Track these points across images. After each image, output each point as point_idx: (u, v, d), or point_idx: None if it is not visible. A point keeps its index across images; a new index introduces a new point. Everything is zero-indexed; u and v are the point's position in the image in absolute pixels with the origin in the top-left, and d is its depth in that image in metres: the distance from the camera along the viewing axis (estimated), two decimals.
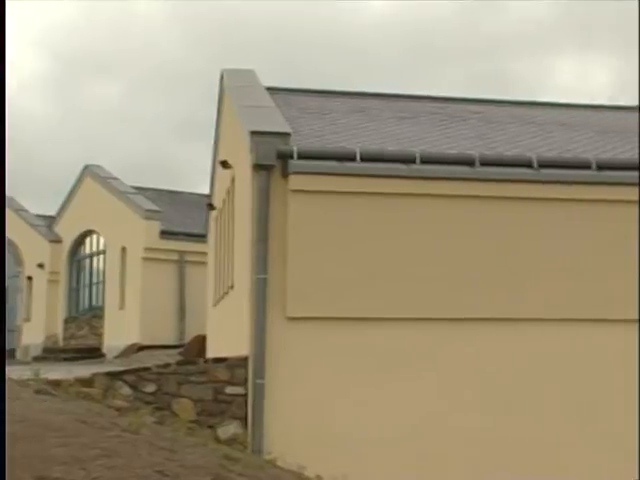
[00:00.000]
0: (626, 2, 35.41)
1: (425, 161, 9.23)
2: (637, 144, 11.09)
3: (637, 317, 9.31)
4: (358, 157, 9.14)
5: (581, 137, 11.43)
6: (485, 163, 9.33)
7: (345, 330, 9.05)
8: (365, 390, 8.96)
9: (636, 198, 9.45)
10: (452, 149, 9.91)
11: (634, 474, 9.06)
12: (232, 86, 11.83)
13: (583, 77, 42.64)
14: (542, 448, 9.12)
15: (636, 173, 9.50)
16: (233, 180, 11.43)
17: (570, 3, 40.74)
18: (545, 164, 9.47)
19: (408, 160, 9.23)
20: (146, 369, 9.01)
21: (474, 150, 9.73)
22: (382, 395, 8.98)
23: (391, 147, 9.75)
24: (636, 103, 15.54)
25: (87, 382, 8.65)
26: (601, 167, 9.49)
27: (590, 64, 43.57)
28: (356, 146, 9.44)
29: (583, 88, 41.53)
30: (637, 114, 13.29)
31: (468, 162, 9.31)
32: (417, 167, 9.18)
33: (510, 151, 10.04)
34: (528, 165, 9.42)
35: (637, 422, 9.21)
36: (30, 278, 24.26)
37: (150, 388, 8.76)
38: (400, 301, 9.10)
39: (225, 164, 11.38)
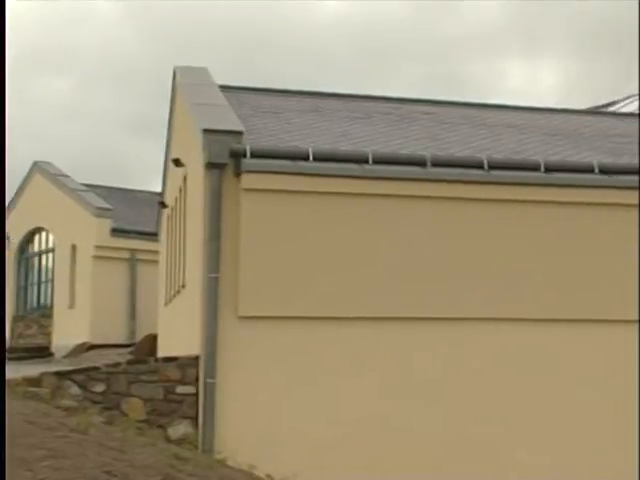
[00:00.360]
0: (575, 6, 35.97)
1: (377, 161, 9.27)
2: (587, 147, 11.29)
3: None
4: (311, 156, 9.15)
5: (531, 139, 11.58)
6: (437, 164, 9.40)
7: (297, 329, 9.05)
8: (316, 389, 8.97)
9: (584, 200, 9.62)
10: (404, 149, 9.97)
11: (593, 472, 9.21)
12: (185, 84, 11.76)
13: (533, 80, 43.19)
14: (488, 447, 9.22)
15: (582, 175, 9.66)
16: (185, 178, 11.36)
17: (521, 5, 41.23)
18: (495, 165, 9.58)
19: (361, 160, 9.26)
20: (95, 368, 8.91)
21: (426, 151, 9.80)
22: (333, 394, 9.00)
23: (344, 147, 9.78)
24: (582, 106, 15.83)
25: (35, 382, 8.53)
26: (549, 169, 9.62)
27: (539, 67, 44.14)
28: (309, 145, 9.44)
29: (532, 91, 42.05)
30: (584, 117, 13.53)
31: (420, 163, 9.37)
32: (369, 167, 9.22)
33: (461, 152, 10.13)
34: (479, 166, 9.51)
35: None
36: None
37: (99, 388, 8.66)
38: (351, 300, 9.13)
39: (177, 162, 11.31)
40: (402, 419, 9.09)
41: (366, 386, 9.08)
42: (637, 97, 16.66)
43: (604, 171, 9.74)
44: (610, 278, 9.62)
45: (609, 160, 10.30)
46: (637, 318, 9.56)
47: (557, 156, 10.41)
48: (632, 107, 15.80)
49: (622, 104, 16.66)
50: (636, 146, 11.58)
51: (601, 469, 9.29)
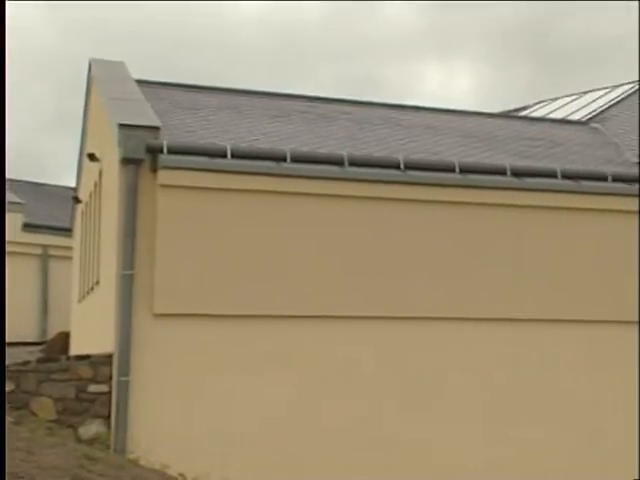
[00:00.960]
0: (490, 11, 36.70)
1: (295, 160, 9.29)
2: (500, 150, 11.53)
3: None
4: (229, 154, 9.11)
5: (446, 141, 11.76)
6: (354, 163, 9.48)
7: (213, 327, 8.99)
8: (232, 388, 8.94)
9: (498, 201, 9.83)
10: (322, 148, 10.02)
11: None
12: (100, 77, 11.55)
13: (448, 83, 43.92)
14: (409, 445, 9.34)
15: (497, 177, 9.87)
16: (100, 173, 11.17)
17: (437, 9, 41.86)
18: (412, 166, 9.71)
19: (279, 158, 9.27)
20: None
21: (344, 150, 9.86)
22: (249, 392, 8.98)
23: (262, 145, 9.76)
24: (496, 110, 16.15)
25: None
26: (464, 171, 9.80)
27: (454, 70, 44.91)
28: (227, 142, 9.40)
29: (448, 94, 42.77)
30: (498, 120, 13.81)
31: (337, 162, 9.43)
32: (288, 165, 9.23)
33: (379, 152, 10.23)
34: (396, 166, 9.62)
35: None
36: None
37: (8, 387, 8.44)
38: (268, 299, 9.12)
39: (92, 157, 11.10)
40: (319, 416, 9.13)
41: (283, 384, 9.09)
42: (548, 102, 17.09)
43: (516, 173, 9.97)
44: (528, 276, 9.86)
45: (521, 163, 10.55)
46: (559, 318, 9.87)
47: (472, 158, 10.61)
48: (542, 112, 16.21)
49: (533, 108, 17.07)
50: (548, 150, 11.91)
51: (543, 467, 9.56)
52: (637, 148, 11.96)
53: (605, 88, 16.28)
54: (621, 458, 9.99)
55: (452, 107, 14.13)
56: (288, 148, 9.47)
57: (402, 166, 9.62)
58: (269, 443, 8.94)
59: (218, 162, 9.05)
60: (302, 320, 9.24)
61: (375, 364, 9.40)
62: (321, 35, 43.80)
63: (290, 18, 43.52)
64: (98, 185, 11.48)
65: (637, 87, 15.63)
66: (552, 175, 10.09)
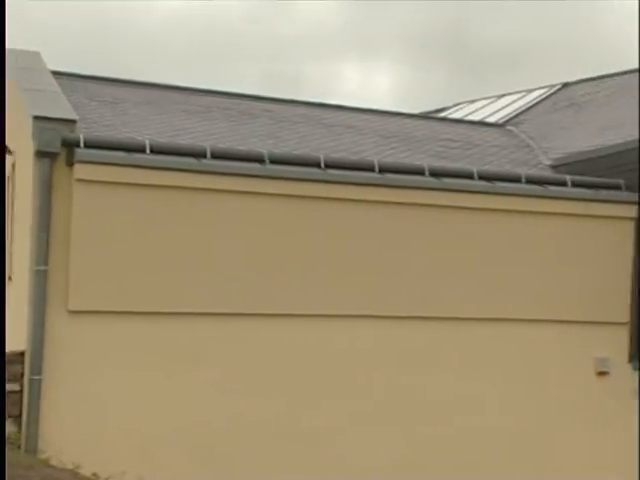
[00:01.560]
0: (408, 12, 37.14)
1: (216, 156, 9.23)
2: (419, 150, 11.68)
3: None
4: (148, 149, 8.99)
5: (366, 140, 11.86)
6: (274, 161, 9.47)
7: (130, 324, 8.87)
8: (148, 386, 8.83)
9: (416, 201, 9.96)
10: (243, 145, 9.98)
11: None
12: (15, 67, 11.25)
13: (367, 83, 44.27)
14: (328, 442, 9.39)
15: (416, 177, 10.00)
16: (14, 166, 10.89)
17: (356, 8, 42.13)
18: (332, 165, 9.76)
19: (199, 154, 9.20)
20: None
21: (264, 147, 9.85)
22: (165, 391, 8.89)
23: (182, 140, 9.67)
24: (415, 111, 16.35)
25: None
26: (383, 170, 9.90)
27: (374, 70, 45.31)
28: (146, 137, 9.28)
29: (367, 93, 43.12)
30: (417, 121, 13.99)
31: (258, 159, 9.41)
32: (207, 162, 9.17)
33: (299, 150, 10.26)
34: (316, 165, 9.66)
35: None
36: None
37: None
38: (185, 296, 9.05)
39: (6, 150, 10.80)
40: (235, 414, 9.10)
41: (200, 382, 9.02)
42: (465, 104, 17.40)
43: (434, 174, 10.13)
44: (444, 275, 10.03)
45: (439, 163, 10.72)
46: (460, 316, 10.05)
47: (391, 158, 10.73)
48: (460, 113, 16.51)
49: (451, 110, 17.37)
50: (465, 151, 12.12)
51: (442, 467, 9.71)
52: (550, 151, 12.30)
53: (520, 92, 16.68)
54: (536, 458, 10.26)
55: (372, 107, 14.25)
56: (208, 144, 9.40)
57: (322, 165, 9.66)
58: (185, 441, 8.86)
59: (136, 157, 8.93)
60: (220, 317, 9.20)
61: (289, 362, 9.42)
62: (240, 33, 43.60)
63: (209, 15, 43.20)
64: (11, 179, 11.20)
65: (550, 92, 16.05)
66: (469, 176, 10.28)
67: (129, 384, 8.78)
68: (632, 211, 10.81)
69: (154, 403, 8.82)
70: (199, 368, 9.04)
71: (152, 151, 9.00)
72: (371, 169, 9.86)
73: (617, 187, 10.88)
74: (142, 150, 8.97)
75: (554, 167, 11.63)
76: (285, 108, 13.15)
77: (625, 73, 15.33)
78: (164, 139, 9.59)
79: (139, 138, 9.24)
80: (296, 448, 9.26)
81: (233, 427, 9.07)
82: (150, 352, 8.88)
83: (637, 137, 11.23)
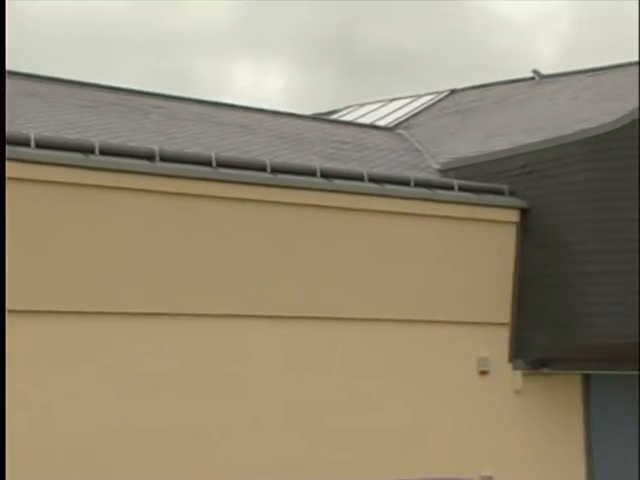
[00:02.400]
0: (300, 14, 37.33)
1: (104, 152, 9.04)
2: (310, 151, 11.77)
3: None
4: (33, 143, 8.72)
5: (259, 140, 11.87)
6: (165, 158, 9.35)
7: (15, 324, 8.57)
8: (20, 387, 8.54)
9: (306, 202, 10.01)
10: (133, 142, 9.82)
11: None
12: None
13: (259, 82, 44.27)
14: (211, 444, 9.33)
15: (307, 178, 10.07)
16: None
17: (247, 7, 42.05)
18: (223, 164, 9.71)
19: (86, 150, 8.98)
20: None
21: (155, 144, 9.71)
22: (38, 392, 8.63)
23: (69, 135, 9.43)
24: (307, 112, 16.46)
25: None
26: (275, 170, 9.92)
27: (266, 70, 45.34)
28: (31, 131, 8.99)
29: (259, 93, 43.11)
30: (308, 122, 14.10)
31: (148, 156, 9.28)
32: (95, 158, 8.96)
33: (191, 148, 10.17)
34: (208, 164, 9.59)
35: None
36: None
37: None
38: (71, 294, 8.83)
39: None
40: (121, 415, 8.94)
41: (82, 382, 8.82)
42: (356, 107, 17.62)
43: (325, 175, 10.22)
44: (335, 276, 10.12)
45: (330, 165, 10.82)
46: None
47: (282, 158, 10.76)
48: (351, 116, 16.71)
49: (342, 112, 17.56)
50: (356, 153, 12.29)
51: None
52: (438, 155, 12.61)
53: (409, 97, 17.02)
54: (420, 455, 10.48)
55: (264, 107, 14.27)
56: (96, 140, 9.20)
57: (214, 163, 9.60)
58: (62, 441, 8.64)
59: (21, 151, 8.64)
60: (105, 317, 9.01)
61: (177, 362, 9.32)
62: (128, 28, 42.80)
63: (95, 8, 42.25)
64: None
65: (438, 98, 16.44)
66: (359, 178, 10.42)
67: (12, 384, 8.49)
68: (514, 216, 11.18)
69: (25, 405, 8.52)
70: (81, 368, 8.83)
71: (37, 145, 8.74)
72: (262, 169, 9.86)
73: (501, 192, 11.24)
74: (26, 144, 8.70)
75: (442, 171, 11.92)
76: (177, 105, 13.02)
77: (511, 82, 15.86)
78: (50, 133, 9.33)
79: (23, 132, 8.96)
80: (186, 450, 9.17)
81: (123, 431, 8.90)
82: (19, 353, 8.57)
83: (521, 143, 11.66)
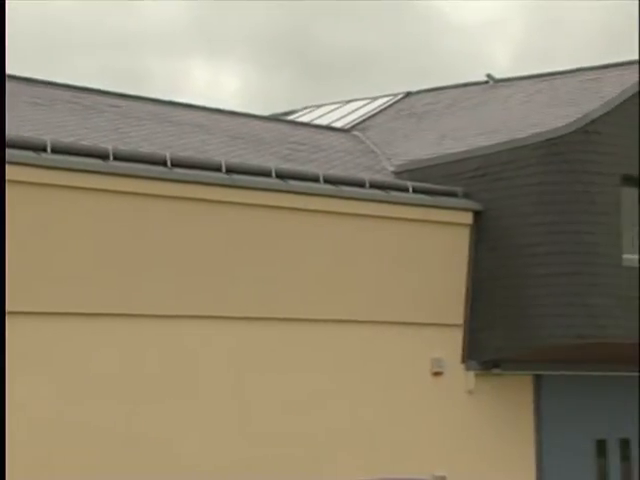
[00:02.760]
0: (256, 14, 37.26)
1: (56, 150, 8.93)
2: (267, 152, 11.75)
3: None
4: None
5: (214, 140, 11.82)
6: (119, 157, 9.27)
7: None
8: None
9: (262, 202, 9.99)
10: (86, 140, 9.72)
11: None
12: None
13: (216, 82, 44.10)
14: (164, 445, 9.27)
15: (262, 179, 10.06)
16: None
17: (202, 7, 41.84)
18: (179, 163, 9.65)
19: (39, 148, 8.86)
20: None
21: (109, 143, 9.62)
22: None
23: (23, 133, 9.29)
24: (264, 112, 16.43)
25: None
26: (230, 170, 9.89)
27: (223, 70, 45.19)
28: None
29: (215, 93, 42.94)
30: (265, 123, 14.08)
31: (102, 155, 9.18)
32: (48, 156, 8.84)
33: (146, 148, 10.08)
34: (162, 163, 9.53)
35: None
36: None
37: None
38: (22, 294, 8.70)
39: None
40: (76, 417, 8.84)
41: (37, 384, 8.70)
42: (313, 108, 17.64)
43: (281, 176, 10.21)
44: (291, 277, 10.11)
45: (286, 166, 10.82)
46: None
47: (238, 158, 10.73)
48: (308, 117, 16.72)
49: (299, 114, 17.56)
50: (312, 154, 12.30)
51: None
52: (393, 158, 12.68)
53: (365, 99, 17.08)
54: (376, 453, 10.53)
55: (220, 107, 14.21)
56: (49, 138, 9.08)
57: (169, 163, 9.54)
58: (21, 444, 8.52)
59: None
60: (55, 317, 8.89)
61: (134, 363, 9.25)
62: (81, 26, 42.30)
63: (47, 5, 41.74)
64: None
65: (393, 100, 16.52)
66: (315, 179, 10.44)
67: None
68: (468, 218, 11.30)
69: None
70: (37, 371, 8.72)
71: None
72: (218, 169, 9.83)
73: (455, 194, 11.34)
74: None
75: (397, 173, 11.99)
76: (132, 104, 12.90)
77: (466, 85, 16.00)
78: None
79: None
80: (137, 450, 9.09)
81: (70, 430, 8.80)
82: None
83: (475, 146, 11.78)
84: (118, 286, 9.18)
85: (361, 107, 16.47)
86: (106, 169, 9.12)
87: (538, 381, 12.04)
